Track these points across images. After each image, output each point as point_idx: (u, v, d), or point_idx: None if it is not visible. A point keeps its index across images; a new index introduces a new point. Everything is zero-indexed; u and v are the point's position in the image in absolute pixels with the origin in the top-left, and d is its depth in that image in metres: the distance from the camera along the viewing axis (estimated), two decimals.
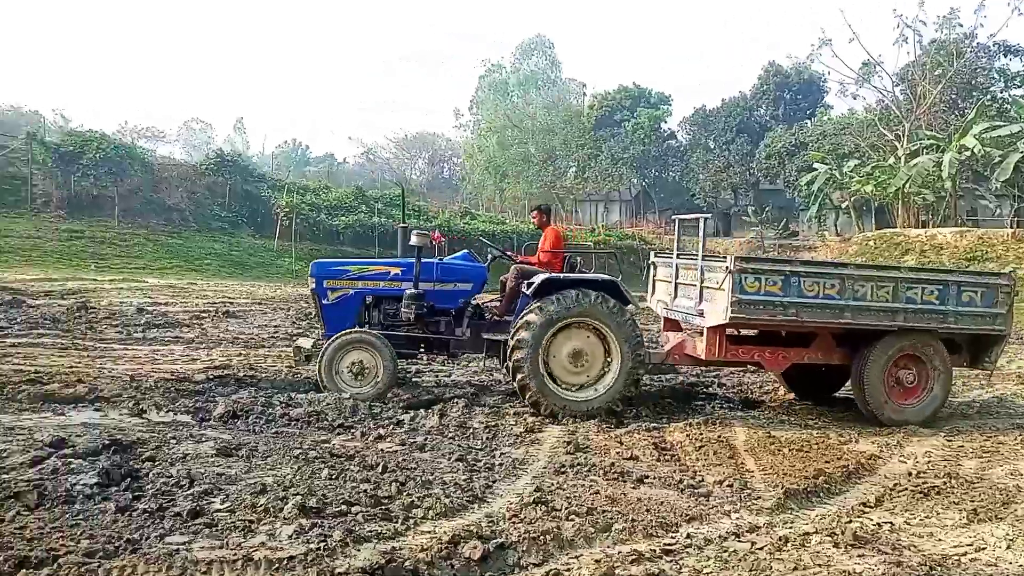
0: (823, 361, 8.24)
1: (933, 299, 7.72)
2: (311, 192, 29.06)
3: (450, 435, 6.40)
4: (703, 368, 9.66)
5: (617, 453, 6.14)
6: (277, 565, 3.64)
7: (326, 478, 4.90)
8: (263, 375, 8.52)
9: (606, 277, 7.87)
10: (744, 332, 8.45)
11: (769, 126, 49.71)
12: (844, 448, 6.72)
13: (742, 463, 6.06)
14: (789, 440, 6.80)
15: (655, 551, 4.13)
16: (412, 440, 6.13)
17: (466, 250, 8.83)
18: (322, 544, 3.87)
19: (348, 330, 7.69)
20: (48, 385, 7.06)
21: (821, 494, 5.39)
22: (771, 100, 51.44)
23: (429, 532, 4.19)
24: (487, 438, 6.42)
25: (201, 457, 5.18)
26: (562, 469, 5.64)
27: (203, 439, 5.64)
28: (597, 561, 3.95)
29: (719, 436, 6.79)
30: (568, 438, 6.55)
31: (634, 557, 4.03)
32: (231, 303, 16.09)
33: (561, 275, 7.85)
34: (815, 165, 39.01)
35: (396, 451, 5.82)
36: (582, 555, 4.07)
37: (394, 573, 3.68)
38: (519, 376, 7.39)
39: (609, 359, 7.56)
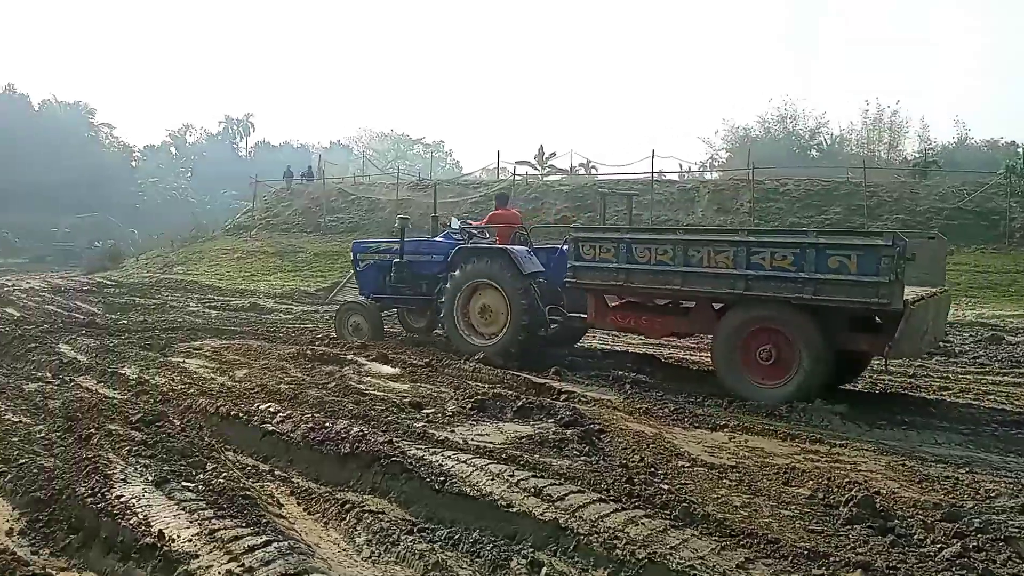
0: (697, 331, 8.51)
1: (786, 264, 6.80)
2: None
3: None
4: None
5: None
6: None
7: None
8: None
9: (502, 247, 9.27)
10: (629, 300, 8.53)
11: None
12: None
13: None
14: None
15: None
16: None
17: (449, 230, 10.70)
18: None
19: (350, 300, 11.59)
20: None
21: None
22: None
23: None
24: None
25: None
26: None
27: None
28: None
29: None
30: None
31: None
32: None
33: (470, 245, 9.74)
34: None
35: None
36: None
37: None
38: (441, 322, 9.54)
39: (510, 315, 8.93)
